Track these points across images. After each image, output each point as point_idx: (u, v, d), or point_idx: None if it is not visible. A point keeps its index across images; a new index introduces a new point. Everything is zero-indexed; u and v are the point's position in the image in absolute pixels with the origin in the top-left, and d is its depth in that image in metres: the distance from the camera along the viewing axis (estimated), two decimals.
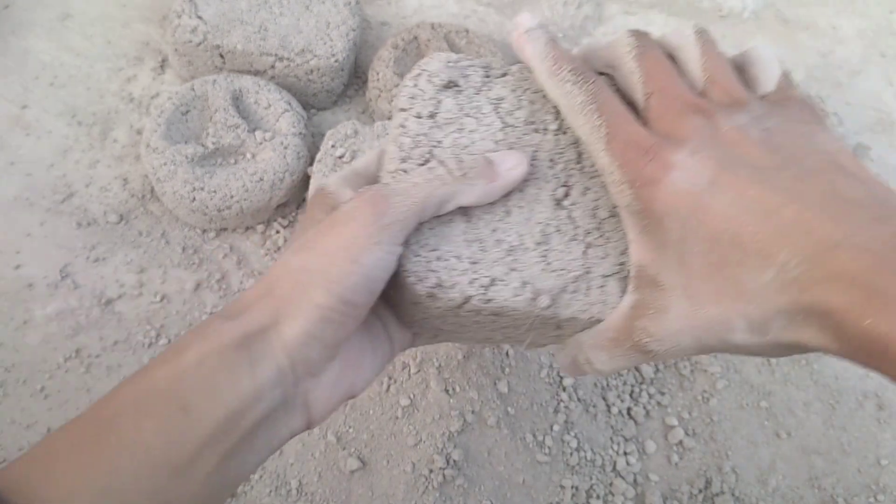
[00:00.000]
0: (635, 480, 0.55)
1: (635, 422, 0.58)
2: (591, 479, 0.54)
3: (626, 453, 0.56)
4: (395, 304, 0.36)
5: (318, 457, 0.53)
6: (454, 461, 0.53)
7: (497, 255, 0.34)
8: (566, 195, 0.36)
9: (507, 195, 0.35)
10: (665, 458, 0.57)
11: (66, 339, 0.56)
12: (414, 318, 0.36)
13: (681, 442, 0.57)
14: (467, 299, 0.33)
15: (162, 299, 0.59)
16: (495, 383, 0.57)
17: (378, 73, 0.71)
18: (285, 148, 0.64)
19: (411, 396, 0.55)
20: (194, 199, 0.60)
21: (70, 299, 0.58)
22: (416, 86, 0.36)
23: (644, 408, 0.58)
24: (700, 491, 0.56)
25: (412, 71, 0.37)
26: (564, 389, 0.58)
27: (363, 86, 0.77)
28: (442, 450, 0.54)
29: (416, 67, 0.37)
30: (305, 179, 0.65)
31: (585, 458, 0.55)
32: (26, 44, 0.74)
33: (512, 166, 0.34)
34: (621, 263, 0.34)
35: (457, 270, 0.33)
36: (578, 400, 0.58)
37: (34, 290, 0.58)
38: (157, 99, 0.71)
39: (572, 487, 0.54)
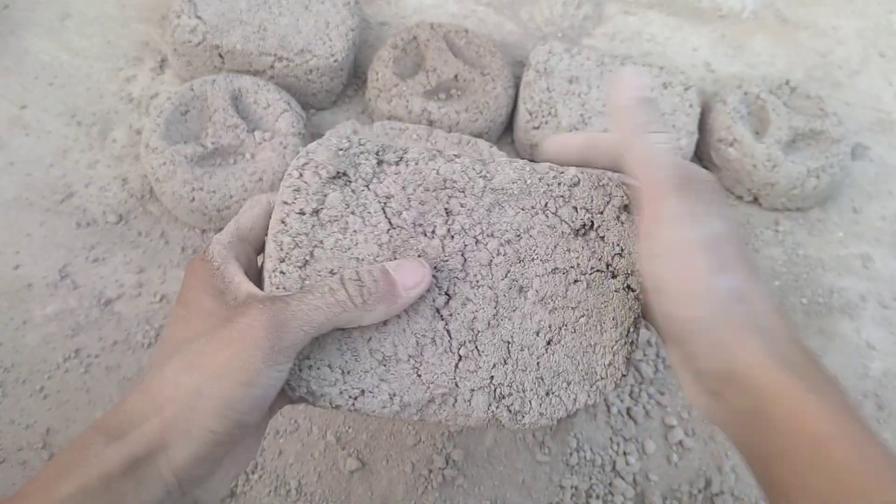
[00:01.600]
0: (635, 480, 0.55)
1: (635, 422, 0.58)
2: (590, 478, 0.54)
3: (625, 453, 0.56)
4: None
5: (317, 457, 0.53)
6: (454, 461, 0.53)
7: (369, 365, 0.33)
8: (446, 304, 0.34)
9: None
10: (665, 458, 0.57)
11: (65, 340, 0.56)
12: None
13: (681, 442, 0.57)
14: (336, 408, 0.33)
15: (161, 299, 0.59)
16: None
17: (377, 73, 0.71)
18: (284, 148, 0.64)
19: None
20: (193, 199, 0.60)
21: (69, 299, 0.58)
22: (301, 177, 0.34)
23: (644, 408, 0.58)
24: (700, 491, 0.55)
25: (298, 158, 0.35)
26: None
27: (362, 86, 0.77)
28: (441, 450, 0.54)
29: (304, 155, 0.34)
30: None
31: (585, 457, 0.55)
32: (25, 44, 0.74)
33: (413, 285, 0.33)
34: (492, 377, 0.34)
35: (327, 381, 0.33)
36: None
37: (33, 290, 0.58)
38: (157, 99, 0.71)
39: (572, 487, 0.54)
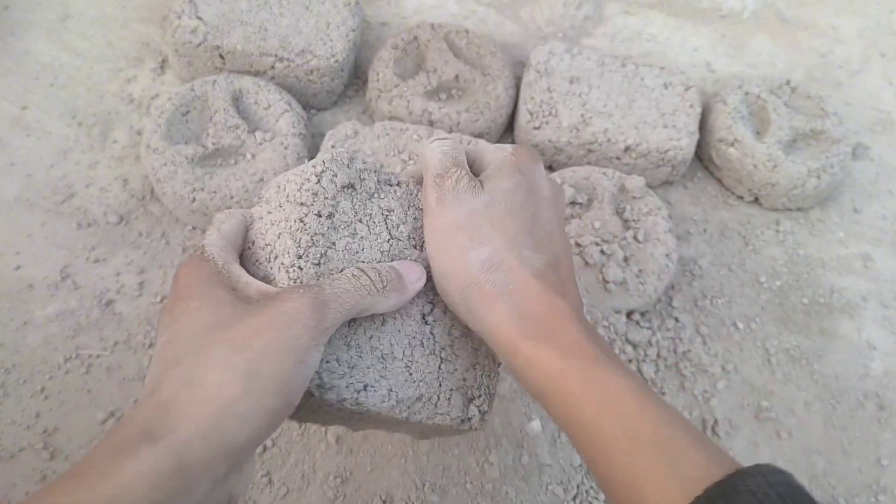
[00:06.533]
0: None
1: None
2: (591, 479, 0.54)
3: None
4: None
5: (318, 457, 0.53)
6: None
7: (370, 361, 0.35)
8: (431, 312, 0.38)
9: None
10: None
11: (66, 340, 0.56)
12: None
13: None
14: (342, 401, 0.34)
15: (162, 300, 0.59)
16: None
17: (378, 74, 0.71)
18: (285, 148, 0.64)
19: None
20: (194, 199, 0.60)
21: (70, 300, 0.58)
22: (318, 182, 0.36)
23: None
24: None
25: (315, 166, 0.37)
26: None
27: (363, 86, 0.77)
28: (443, 451, 0.54)
29: (320, 163, 0.37)
30: None
31: None
32: (26, 45, 0.74)
33: (416, 279, 0.36)
34: (464, 379, 0.38)
35: (336, 374, 0.34)
36: None
37: (34, 290, 0.58)
38: (157, 100, 0.71)
39: (575, 487, 0.54)
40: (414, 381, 0.36)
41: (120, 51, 0.75)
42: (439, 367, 0.37)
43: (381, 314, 0.36)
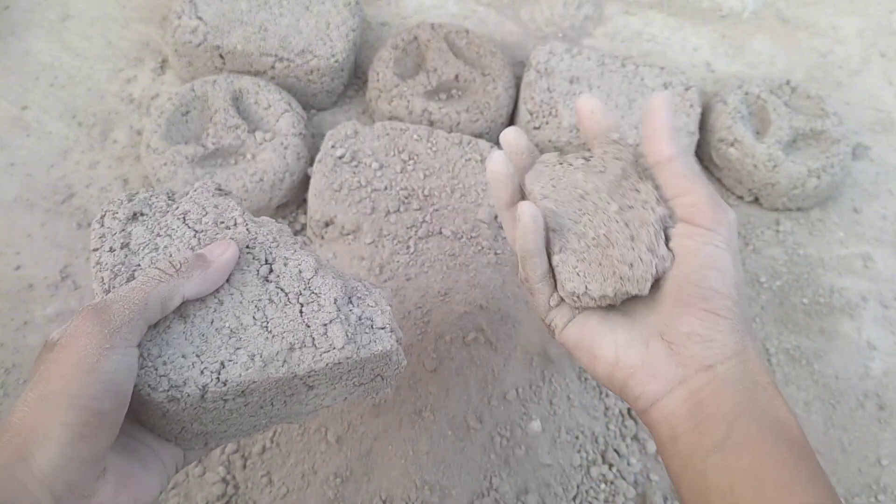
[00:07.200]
0: (636, 480, 0.55)
1: (635, 422, 0.58)
2: (592, 479, 0.54)
3: (626, 453, 0.56)
4: (151, 427, 0.36)
5: (318, 457, 0.53)
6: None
7: (220, 340, 0.35)
8: (270, 271, 0.38)
9: (217, 289, 0.37)
10: None
11: None
12: (173, 431, 0.36)
13: None
14: (204, 389, 0.34)
15: None
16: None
17: (378, 74, 0.71)
18: (285, 148, 0.64)
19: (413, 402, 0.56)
20: None
21: (70, 300, 0.58)
22: (102, 225, 0.38)
23: None
24: None
25: (96, 216, 0.39)
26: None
27: (363, 86, 0.77)
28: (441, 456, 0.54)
29: (100, 210, 0.39)
30: (305, 180, 0.65)
31: (587, 458, 0.55)
32: (26, 45, 0.74)
33: (221, 252, 0.37)
34: (338, 309, 0.37)
35: (184, 367, 0.34)
36: (578, 402, 0.58)
37: (34, 290, 0.58)
38: (157, 100, 0.71)
39: (573, 487, 0.54)
40: (276, 336, 0.36)
41: (120, 51, 0.75)
42: (301, 313, 0.37)
43: (217, 297, 0.36)
